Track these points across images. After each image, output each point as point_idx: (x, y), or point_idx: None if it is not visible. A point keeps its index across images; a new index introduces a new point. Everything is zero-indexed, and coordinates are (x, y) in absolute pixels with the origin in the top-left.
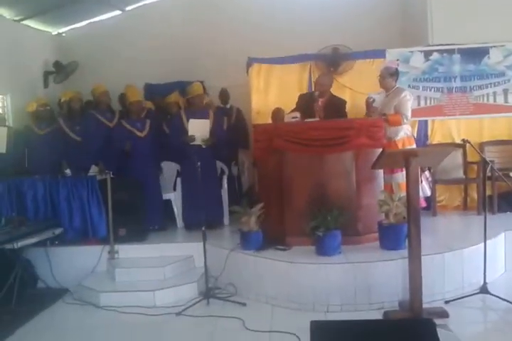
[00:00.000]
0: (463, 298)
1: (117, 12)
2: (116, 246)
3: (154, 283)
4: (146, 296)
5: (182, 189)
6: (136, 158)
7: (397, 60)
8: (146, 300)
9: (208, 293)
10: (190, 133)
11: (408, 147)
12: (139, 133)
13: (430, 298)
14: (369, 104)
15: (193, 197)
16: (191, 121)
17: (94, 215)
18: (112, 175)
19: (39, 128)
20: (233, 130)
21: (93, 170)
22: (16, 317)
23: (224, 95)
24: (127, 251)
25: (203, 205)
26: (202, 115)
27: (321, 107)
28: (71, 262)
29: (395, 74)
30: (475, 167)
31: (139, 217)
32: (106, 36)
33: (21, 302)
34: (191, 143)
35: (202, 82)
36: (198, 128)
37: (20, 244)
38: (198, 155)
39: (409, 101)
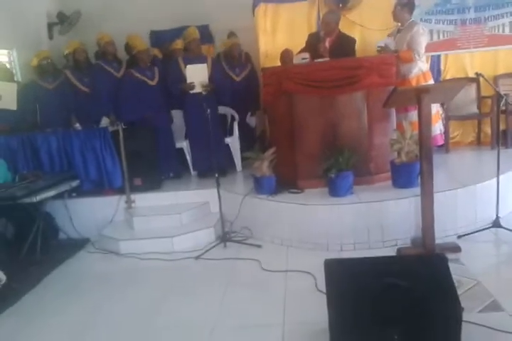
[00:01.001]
0: (475, 232)
1: None
2: (133, 196)
3: (172, 229)
4: (164, 242)
5: (188, 137)
6: (149, 107)
7: None
8: (164, 246)
9: (225, 237)
10: (188, 81)
11: (424, 84)
12: (150, 82)
13: (443, 234)
14: (383, 51)
15: (199, 145)
16: (188, 67)
17: (108, 166)
18: (123, 126)
19: (46, 82)
20: (249, 77)
21: (104, 121)
22: (41, 267)
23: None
24: (143, 199)
25: (209, 153)
26: (199, 61)
27: (328, 47)
28: (90, 213)
29: (407, 4)
30: (489, 101)
31: (153, 165)
32: None
33: (45, 253)
34: (191, 92)
35: (207, 26)
36: (196, 74)
37: (38, 197)
38: (198, 101)
39: (422, 35)
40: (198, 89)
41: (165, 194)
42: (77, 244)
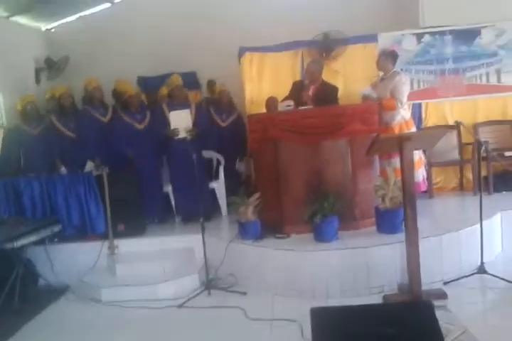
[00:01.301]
0: (461, 278)
1: (107, 5)
2: (116, 241)
3: (155, 276)
4: (147, 290)
5: (172, 182)
6: (136, 151)
7: (394, 43)
8: (148, 293)
9: (209, 284)
10: (172, 127)
11: (406, 131)
12: (137, 125)
13: (429, 280)
14: (365, 99)
15: (183, 190)
16: (171, 113)
17: (92, 211)
18: (108, 170)
19: (30, 127)
20: (235, 123)
21: (89, 166)
22: (19, 316)
23: (210, 86)
24: (127, 245)
25: (194, 197)
26: (183, 107)
27: (311, 95)
28: (71, 259)
29: (390, 55)
30: (470, 148)
31: (137, 210)
32: (96, 30)
33: (24, 300)
34: (176, 137)
35: (194, 74)
36: (180, 120)
37: (19, 243)
38: (182, 148)
39: (404, 84)
40: (182, 135)
41: (149, 240)
42: (57, 291)
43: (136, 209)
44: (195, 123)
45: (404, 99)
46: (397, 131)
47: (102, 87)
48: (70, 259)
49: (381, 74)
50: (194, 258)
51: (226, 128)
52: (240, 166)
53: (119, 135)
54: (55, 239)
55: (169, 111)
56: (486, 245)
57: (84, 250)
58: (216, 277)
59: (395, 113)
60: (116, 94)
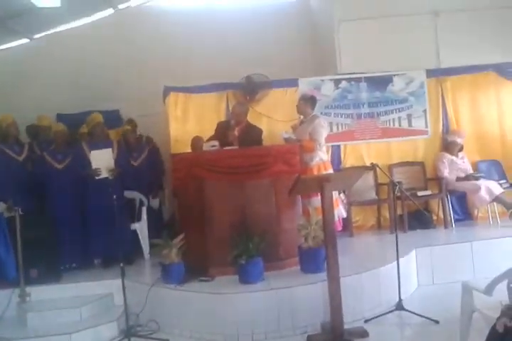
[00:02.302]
0: (380, 316)
1: (25, 40)
2: (28, 288)
3: (70, 325)
4: (62, 340)
5: (89, 224)
6: (55, 192)
7: (314, 88)
8: None
9: (129, 332)
10: (94, 166)
11: (324, 172)
12: (56, 165)
13: (351, 318)
14: (287, 141)
15: (102, 232)
16: (92, 153)
17: (1, 256)
18: (20, 212)
19: None
20: (148, 160)
21: (0, 207)
22: None
23: (130, 124)
24: (40, 292)
25: (114, 240)
26: (105, 146)
27: (237, 136)
28: None
29: (309, 100)
30: (385, 188)
31: (52, 255)
32: (14, 65)
33: None
34: (97, 177)
35: (118, 111)
36: (102, 160)
37: None
38: (103, 187)
39: (322, 127)
40: (104, 175)
41: (64, 286)
42: None
43: (50, 253)
44: (116, 162)
45: (323, 142)
46: (315, 171)
47: (17, 124)
48: None
49: (301, 117)
50: (113, 305)
51: (139, 168)
52: (154, 202)
53: (36, 175)
54: None
55: (90, 150)
56: (403, 281)
57: None
58: (137, 324)
59: (314, 154)
60: (35, 130)
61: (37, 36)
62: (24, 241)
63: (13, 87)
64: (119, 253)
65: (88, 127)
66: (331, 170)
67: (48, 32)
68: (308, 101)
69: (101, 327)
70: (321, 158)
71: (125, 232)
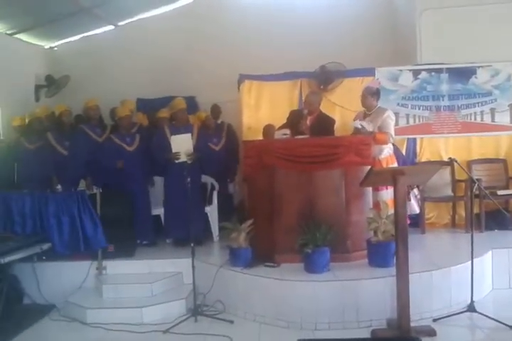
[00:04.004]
0: (450, 316)
1: (110, 27)
2: (104, 262)
3: (142, 299)
4: (133, 313)
5: (166, 204)
6: (126, 173)
7: (378, 79)
8: (133, 317)
9: (196, 310)
10: (174, 150)
11: (391, 165)
12: (128, 148)
13: (418, 316)
14: (358, 131)
15: (177, 213)
16: (173, 138)
17: (88, 229)
18: (100, 190)
19: (28, 142)
20: (227, 146)
21: (82, 184)
22: (1, 334)
23: (215, 111)
24: (115, 266)
25: (187, 221)
26: (185, 130)
27: (309, 125)
28: (58, 278)
29: (376, 93)
30: (463, 185)
31: (127, 232)
32: (98, 51)
33: (7, 318)
34: (177, 161)
35: (194, 98)
36: (181, 144)
37: (6, 259)
38: (183, 170)
39: (392, 120)
40: (183, 159)
41: (138, 262)
42: (42, 311)
43: (127, 230)
44: (195, 148)
45: (393, 134)
46: (384, 164)
47: (100, 107)
48: (56, 278)
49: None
50: (182, 283)
51: (219, 152)
52: (230, 187)
53: (108, 157)
54: (44, 257)
55: (171, 135)
56: (477, 283)
57: (71, 269)
58: (204, 303)
59: (383, 147)
60: (113, 114)
61: (121, 23)
62: (102, 218)
63: (99, 72)
64: (191, 234)
65: (171, 112)
66: (396, 164)
67: (131, 19)
68: (375, 94)
69: (170, 304)
70: (389, 151)
71: (198, 215)
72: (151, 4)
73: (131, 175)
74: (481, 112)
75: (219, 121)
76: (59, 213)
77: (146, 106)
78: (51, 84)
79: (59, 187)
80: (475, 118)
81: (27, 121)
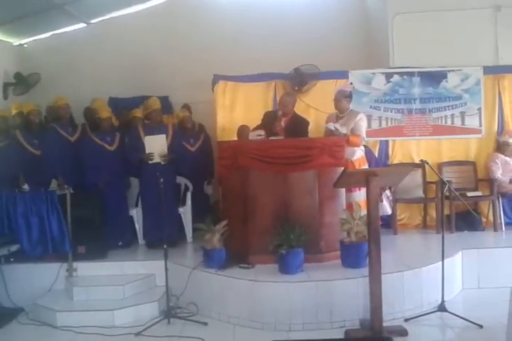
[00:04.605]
0: (422, 315)
1: (82, 24)
2: (75, 264)
3: (113, 302)
4: (104, 316)
5: (142, 206)
6: (105, 172)
7: (351, 82)
8: (104, 319)
9: (169, 313)
10: (147, 151)
11: (363, 167)
12: (108, 147)
13: (391, 316)
14: (331, 133)
15: (152, 215)
16: (147, 138)
17: (54, 230)
18: (72, 191)
19: None
20: (203, 147)
21: (53, 184)
22: None
23: (187, 110)
24: (86, 268)
25: (161, 223)
26: (160, 131)
27: (283, 126)
28: (27, 280)
29: (349, 96)
30: (434, 187)
31: (99, 233)
32: (69, 48)
33: None
34: (150, 162)
35: (167, 97)
36: (155, 145)
37: None
38: (157, 171)
39: (364, 123)
40: (156, 160)
41: (109, 264)
42: (10, 314)
43: (98, 231)
44: (170, 148)
45: (365, 136)
46: (356, 166)
47: (69, 106)
48: (25, 280)
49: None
50: (155, 285)
51: (195, 153)
52: (208, 189)
53: (90, 158)
54: (12, 259)
55: (145, 134)
56: (447, 283)
57: (41, 271)
58: (177, 305)
59: (355, 149)
60: (90, 112)
61: (93, 21)
62: (73, 219)
63: (70, 70)
64: (164, 236)
65: (145, 112)
66: (367, 166)
67: (104, 17)
68: (348, 97)
69: (142, 306)
70: (361, 153)
71: (172, 216)
72: (124, 2)
73: (110, 175)
74: (452, 115)
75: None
76: (27, 213)
77: (118, 105)
78: (20, 82)
79: (26, 186)
80: (445, 122)
81: None
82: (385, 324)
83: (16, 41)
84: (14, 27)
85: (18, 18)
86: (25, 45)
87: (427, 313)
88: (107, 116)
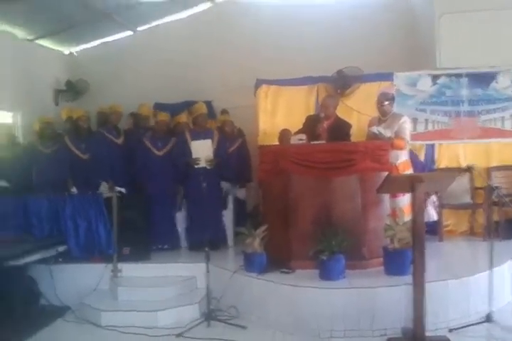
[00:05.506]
0: (467, 326)
1: (129, 32)
2: (120, 265)
3: (156, 303)
4: (147, 316)
5: (187, 209)
6: (153, 177)
7: (394, 84)
8: (147, 320)
9: (210, 315)
10: (194, 156)
11: (407, 171)
12: (156, 152)
13: (434, 326)
14: (374, 137)
15: (196, 218)
16: (193, 143)
17: (101, 233)
18: (124, 192)
19: (44, 147)
20: (240, 151)
21: (103, 187)
22: (16, 334)
23: (226, 115)
24: (130, 269)
25: (206, 225)
26: (206, 135)
27: (326, 129)
28: (74, 280)
29: (392, 99)
30: (482, 192)
31: (144, 235)
32: (116, 56)
33: (23, 319)
34: (196, 166)
35: (210, 102)
36: (202, 150)
37: (23, 260)
38: (202, 176)
39: (409, 126)
40: (202, 164)
41: (153, 265)
42: (57, 312)
43: (143, 233)
44: (215, 153)
45: (409, 140)
46: (401, 170)
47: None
48: (72, 280)
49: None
50: (196, 288)
51: (230, 157)
52: (241, 192)
53: (140, 162)
54: (60, 259)
55: (192, 140)
56: (495, 293)
57: (87, 272)
58: (217, 308)
59: (399, 152)
60: (136, 117)
61: (139, 29)
62: (120, 221)
63: (116, 77)
64: (207, 238)
65: (192, 117)
66: (411, 170)
67: (149, 25)
68: (391, 100)
69: (184, 308)
70: (405, 156)
71: (216, 219)
72: (168, 10)
73: (158, 179)
74: (502, 118)
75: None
76: (75, 216)
77: (163, 110)
78: (70, 89)
79: (74, 189)
80: (495, 124)
81: (38, 126)
82: (428, 334)
83: (66, 50)
84: (65, 36)
85: (68, 28)
86: (75, 54)
87: (473, 324)
88: (163, 119)
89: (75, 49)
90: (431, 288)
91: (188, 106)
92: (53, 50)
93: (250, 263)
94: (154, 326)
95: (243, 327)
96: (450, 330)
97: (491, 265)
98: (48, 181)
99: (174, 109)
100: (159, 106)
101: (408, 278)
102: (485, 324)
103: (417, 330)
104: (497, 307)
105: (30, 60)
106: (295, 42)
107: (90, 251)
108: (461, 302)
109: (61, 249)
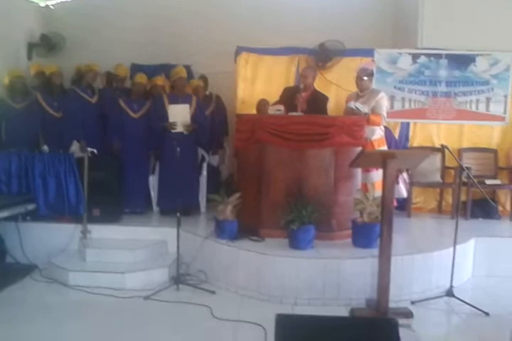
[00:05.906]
0: (429, 299)
1: None
2: (90, 226)
3: (125, 265)
4: (115, 278)
5: (159, 173)
6: (127, 139)
7: (374, 61)
8: (115, 282)
9: (179, 279)
10: (171, 120)
11: (382, 147)
12: (132, 114)
13: (397, 298)
14: (351, 112)
15: (170, 183)
16: (171, 106)
17: (70, 193)
18: (96, 153)
19: (14, 102)
20: (214, 117)
21: (74, 147)
22: None
23: (202, 80)
24: (100, 231)
25: (179, 191)
26: (184, 100)
27: (303, 101)
28: (42, 239)
29: (371, 75)
30: (452, 172)
31: (115, 197)
32: (94, 13)
33: None
34: (173, 131)
35: (189, 67)
36: (179, 114)
37: None
38: (178, 141)
39: (386, 102)
40: (179, 129)
41: (123, 228)
42: (24, 270)
43: (114, 195)
44: (193, 118)
45: (386, 116)
46: (376, 146)
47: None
48: (40, 239)
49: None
50: (166, 252)
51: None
52: (214, 159)
53: (112, 123)
54: (28, 217)
55: (169, 103)
56: (457, 269)
57: (56, 231)
58: (186, 273)
59: (375, 128)
60: (110, 77)
61: None
62: (91, 182)
63: (94, 33)
64: (181, 203)
65: (171, 80)
66: (385, 147)
67: None
68: (371, 75)
69: (153, 271)
70: (380, 132)
71: (190, 185)
72: None
73: (132, 142)
74: (477, 101)
75: (207, 93)
76: (45, 174)
77: (140, 71)
78: (45, 44)
79: (45, 147)
80: (470, 107)
81: (8, 80)
82: (391, 305)
83: (42, 2)
84: None
85: None
86: (52, 7)
87: (435, 297)
88: (140, 81)
89: (52, 1)
90: (396, 261)
91: (165, 69)
92: (29, 1)
93: (221, 230)
94: (122, 288)
95: (212, 292)
96: (412, 302)
97: (455, 242)
98: (18, 137)
99: (151, 71)
100: (136, 68)
101: (375, 251)
102: (445, 298)
103: (381, 301)
104: (458, 283)
105: (3, 10)
106: (280, 11)
107: (59, 211)
108: (424, 276)
109: (30, 207)
